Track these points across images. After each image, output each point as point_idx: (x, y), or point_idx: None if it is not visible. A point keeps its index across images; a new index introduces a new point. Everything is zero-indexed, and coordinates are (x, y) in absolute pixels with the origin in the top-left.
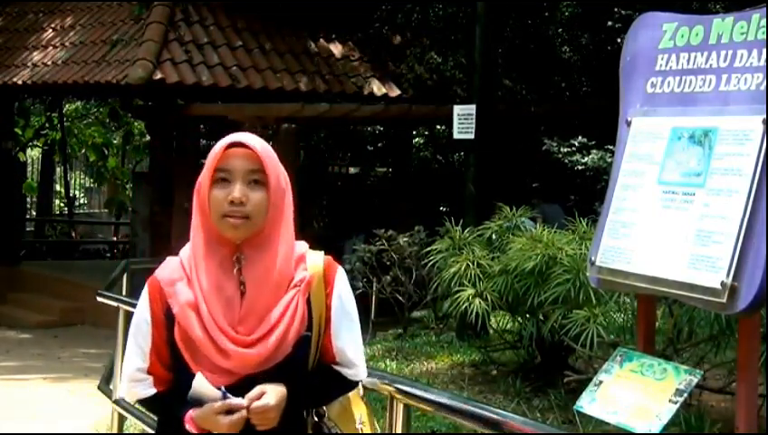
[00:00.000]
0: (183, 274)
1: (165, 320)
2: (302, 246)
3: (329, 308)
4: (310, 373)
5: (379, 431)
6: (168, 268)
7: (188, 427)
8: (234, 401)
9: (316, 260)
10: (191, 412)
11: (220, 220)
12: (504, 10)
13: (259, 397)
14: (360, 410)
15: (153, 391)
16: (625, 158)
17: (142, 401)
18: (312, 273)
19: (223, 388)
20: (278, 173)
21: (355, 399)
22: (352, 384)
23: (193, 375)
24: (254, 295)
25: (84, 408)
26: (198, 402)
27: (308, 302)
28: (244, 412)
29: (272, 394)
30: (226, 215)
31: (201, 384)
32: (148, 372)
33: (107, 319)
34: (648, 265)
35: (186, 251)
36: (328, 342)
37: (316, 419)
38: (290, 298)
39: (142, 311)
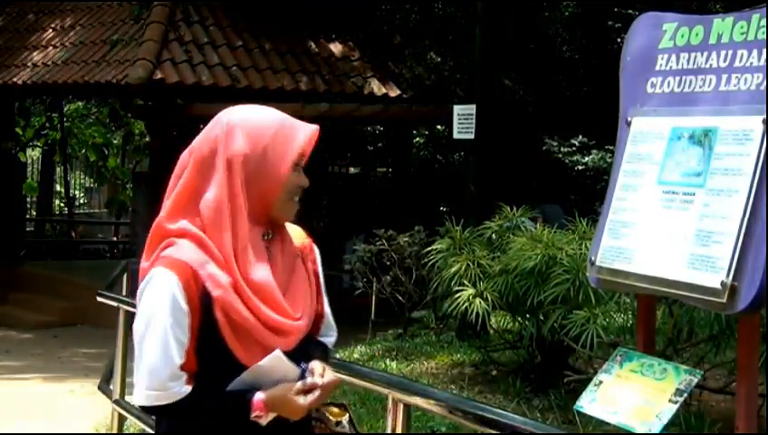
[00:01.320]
0: (206, 256)
1: (200, 305)
2: None
3: (317, 275)
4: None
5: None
6: (189, 251)
7: (257, 414)
8: (314, 379)
9: (297, 231)
10: (262, 396)
11: (287, 203)
12: (504, 10)
13: (323, 371)
14: None
15: (188, 389)
16: (625, 158)
17: (162, 408)
18: (302, 243)
19: (304, 365)
20: None
21: None
22: (330, 355)
23: (235, 363)
24: (282, 270)
25: (84, 408)
26: (251, 385)
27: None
28: (320, 390)
29: (330, 368)
30: (294, 198)
31: (280, 361)
32: (182, 369)
33: (107, 319)
34: (648, 265)
35: (194, 231)
36: (320, 309)
37: None
38: (301, 268)
39: (175, 297)
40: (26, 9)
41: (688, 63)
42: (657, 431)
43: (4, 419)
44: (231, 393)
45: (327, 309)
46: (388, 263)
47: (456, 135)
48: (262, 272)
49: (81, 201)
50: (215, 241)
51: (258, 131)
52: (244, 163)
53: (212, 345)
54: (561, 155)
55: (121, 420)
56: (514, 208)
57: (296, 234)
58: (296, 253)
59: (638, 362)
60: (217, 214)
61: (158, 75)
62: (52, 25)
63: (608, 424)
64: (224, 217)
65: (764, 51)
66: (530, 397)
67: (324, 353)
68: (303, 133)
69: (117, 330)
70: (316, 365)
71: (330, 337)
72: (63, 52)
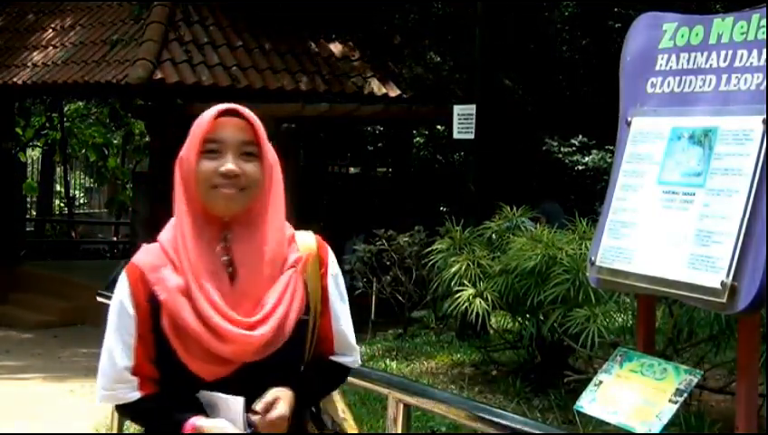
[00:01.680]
0: (166, 259)
1: (150, 310)
2: (287, 225)
3: (325, 289)
4: (307, 365)
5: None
6: (148, 254)
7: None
8: None
9: (307, 240)
10: (198, 422)
11: (210, 192)
12: (504, 10)
13: (273, 402)
14: (339, 403)
15: (138, 394)
16: (625, 158)
17: (122, 408)
18: (307, 253)
19: (252, 430)
20: (270, 148)
21: (336, 396)
22: (347, 374)
23: (183, 369)
24: (247, 277)
25: (84, 408)
26: (202, 410)
27: (304, 283)
28: None
29: (286, 403)
30: (217, 186)
31: (238, 410)
32: (134, 373)
33: (107, 319)
34: (648, 265)
35: (166, 235)
36: (327, 326)
37: (314, 409)
38: (287, 279)
39: (123, 302)
40: (26, 9)
41: (688, 63)
42: (657, 431)
43: (4, 419)
44: (175, 406)
45: (339, 327)
46: (388, 263)
47: (455, 135)
48: (203, 274)
49: (81, 201)
50: (172, 244)
51: (190, 131)
52: (179, 163)
53: (162, 350)
54: (561, 155)
55: (121, 420)
56: (514, 208)
57: (303, 243)
58: (272, 258)
59: (638, 362)
60: (175, 217)
61: (158, 75)
62: (52, 25)
63: (608, 424)
64: (177, 220)
65: (764, 51)
66: (530, 397)
67: (333, 377)
68: (208, 117)
69: None
70: (270, 393)
71: (346, 357)
72: (63, 52)
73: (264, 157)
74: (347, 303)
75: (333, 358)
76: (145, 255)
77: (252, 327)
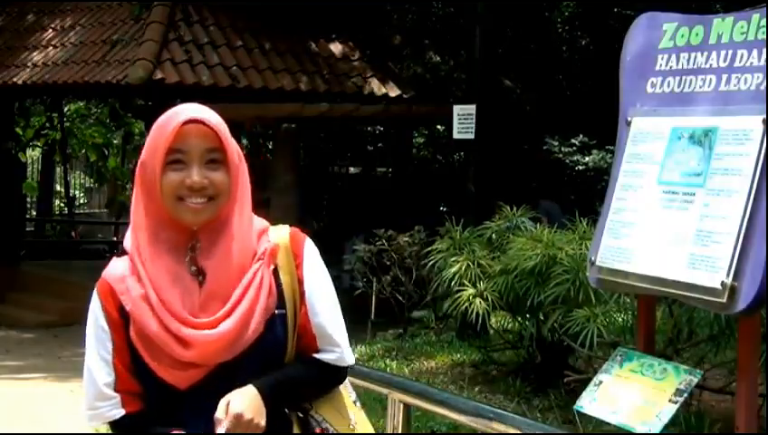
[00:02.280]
0: (133, 268)
1: (121, 321)
2: (261, 221)
3: (301, 281)
4: (289, 362)
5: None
6: (117, 266)
7: None
8: None
9: (280, 232)
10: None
11: (176, 204)
12: (504, 10)
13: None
14: (355, 414)
15: (121, 412)
16: (625, 158)
17: (114, 428)
18: (277, 243)
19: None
20: (235, 149)
21: (347, 403)
22: (338, 374)
23: (155, 379)
24: (215, 279)
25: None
26: (181, 425)
27: (276, 275)
28: None
29: (242, 401)
30: (184, 198)
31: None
32: (117, 390)
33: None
34: (647, 265)
35: (131, 243)
36: (305, 319)
37: (301, 414)
38: (253, 272)
39: (96, 317)
40: (26, 9)
41: (688, 63)
42: (657, 431)
43: (4, 419)
44: (158, 423)
45: (318, 320)
46: (388, 263)
47: (455, 135)
48: (164, 280)
49: (81, 201)
50: (133, 253)
51: (151, 134)
52: (141, 169)
53: (137, 362)
54: (561, 155)
55: None
56: (514, 208)
57: (275, 236)
58: (239, 256)
59: (638, 362)
60: (133, 223)
61: (158, 75)
62: (52, 25)
63: (608, 424)
64: (135, 226)
65: (764, 51)
66: (530, 397)
67: (318, 376)
68: (171, 126)
69: None
70: (235, 402)
71: (327, 353)
72: (63, 52)
73: (230, 161)
74: (331, 296)
75: (316, 355)
76: (113, 267)
77: (214, 326)
